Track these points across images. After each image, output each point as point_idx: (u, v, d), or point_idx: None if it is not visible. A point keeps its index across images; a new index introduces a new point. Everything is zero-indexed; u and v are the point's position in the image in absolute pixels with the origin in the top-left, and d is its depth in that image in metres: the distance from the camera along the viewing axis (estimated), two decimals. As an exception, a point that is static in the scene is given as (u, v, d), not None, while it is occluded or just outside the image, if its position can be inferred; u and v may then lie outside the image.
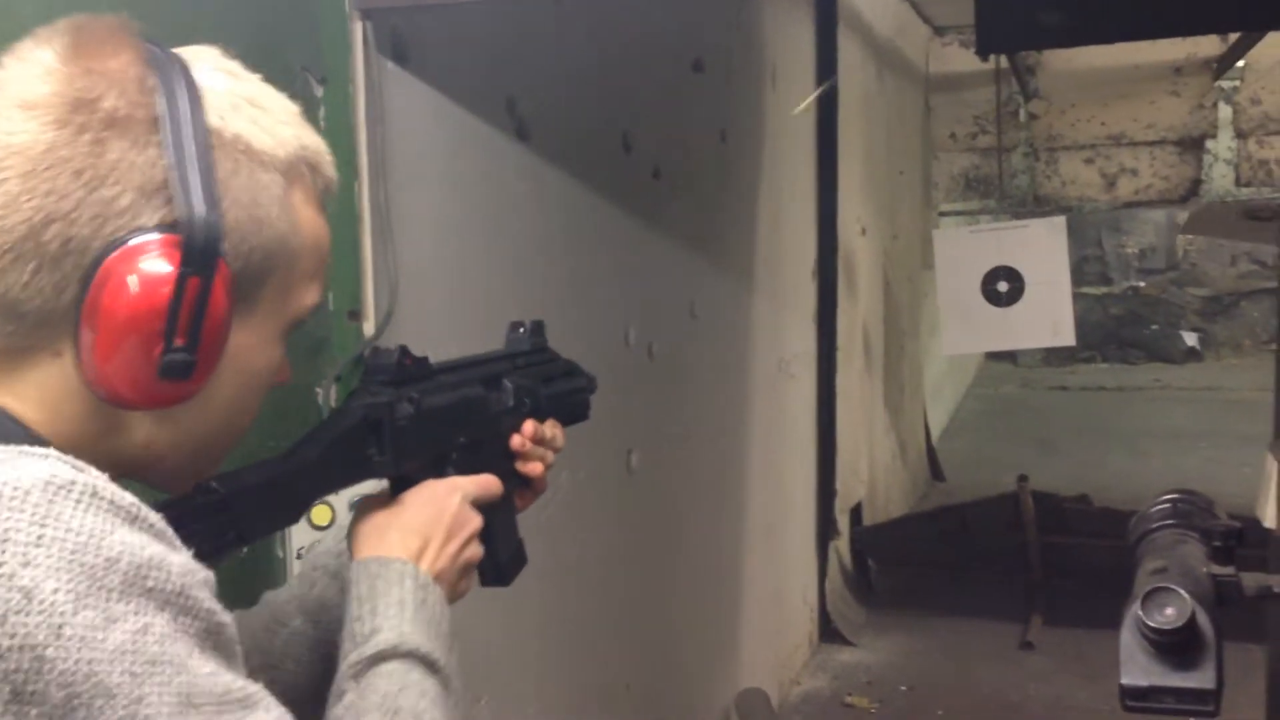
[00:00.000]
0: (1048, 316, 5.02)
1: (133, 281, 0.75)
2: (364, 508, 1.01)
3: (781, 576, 4.35)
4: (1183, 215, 11.87)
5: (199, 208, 0.77)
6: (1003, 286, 5.01)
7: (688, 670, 3.47)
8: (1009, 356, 11.54)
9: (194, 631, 0.70)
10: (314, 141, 0.89)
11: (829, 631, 4.82)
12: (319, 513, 1.71)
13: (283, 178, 0.84)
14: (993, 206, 7.00)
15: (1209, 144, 7.09)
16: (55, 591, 0.65)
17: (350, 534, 1.00)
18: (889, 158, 6.01)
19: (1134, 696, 0.98)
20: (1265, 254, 11.39)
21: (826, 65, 4.68)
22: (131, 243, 0.76)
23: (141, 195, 0.76)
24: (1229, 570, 1.08)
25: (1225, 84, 6.94)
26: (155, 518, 0.72)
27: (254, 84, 0.86)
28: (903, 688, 4.42)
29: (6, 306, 0.76)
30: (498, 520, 1.07)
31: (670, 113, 3.20)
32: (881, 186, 5.85)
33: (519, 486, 1.15)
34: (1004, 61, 5.86)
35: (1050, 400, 10.53)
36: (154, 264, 0.76)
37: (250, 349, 0.85)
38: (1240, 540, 1.12)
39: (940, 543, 5.18)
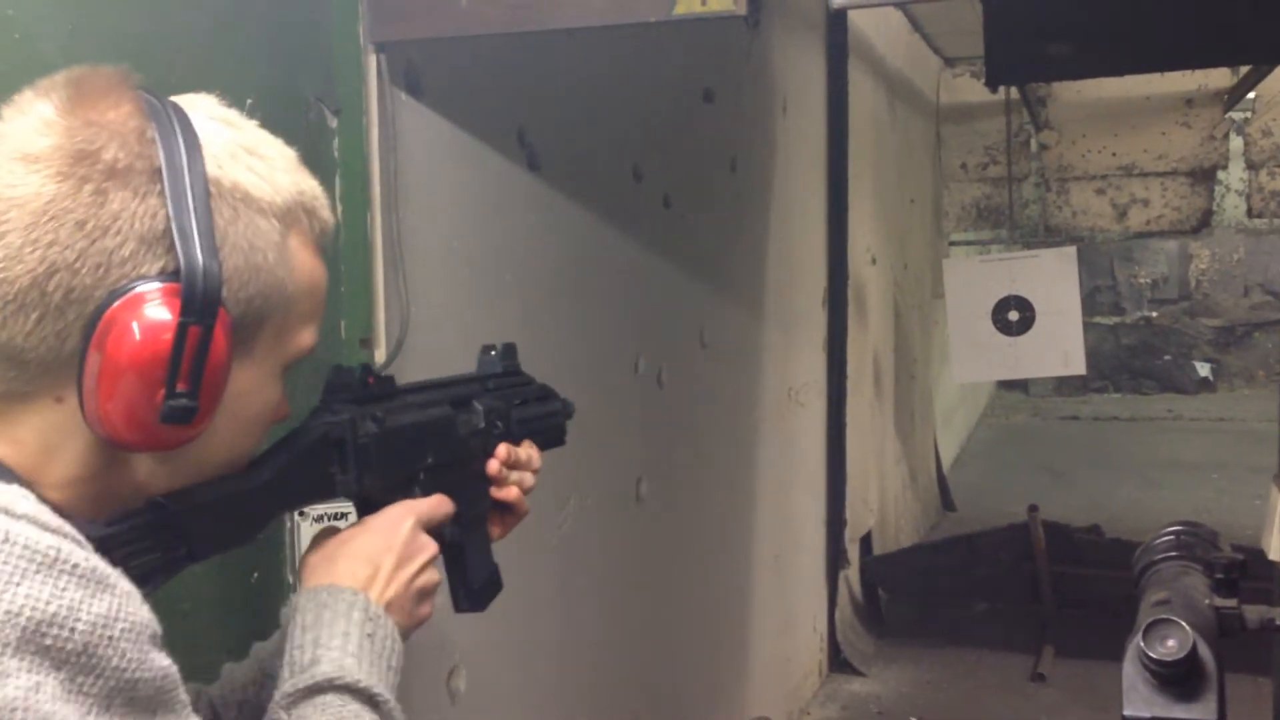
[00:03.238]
0: (1058, 346, 5.02)
1: (135, 329, 0.77)
2: (317, 538, 1.00)
3: (791, 605, 4.34)
4: (1195, 245, 11.90)
5: (199, 257, 0.78)
6: (1013, 316, 5.02)
7: (696, 699, 3.46)
8: (1021, 386, 11.52)
9: (95, 691, 0.68)
10: (311, 186, 0.90)
11: (839, 661, 4.80)
12: (329, 539, 1.73)
13: (280, 224, 0.85)
14: (1004, 236, 7.00)
15: (1220, 175, 7.10)
16: None
17: (301, 564, 0.99)
18: (900, 187, 6.03)
19: (1136, 728, 0.98)
20: (1278, 284, 11.37)
21: (837, 96, 4.71)
22: (134, 291, 0.77)
23: (143, 244, 0.78)
24: (1231, 602, 1.09)
25: (1236, 115, 6.95)
26: (80, 556, 0.70)
27: (251, 131, 0.87)
28: (913, 718, 4.39)
29: (10, 354, 0.77)
30: (470, 545, 1.06)
31: (681, 142, 3.23)
32: (892, 216, 5.87)
33: (497, 512, 1.13)
34: (1015, 92, 5.89)
35: (1062, 430, 10.50)
36: (156, 312, 0.77)
37: (249, 391, 0.86)
38: (1244, 572, 1.13)
39: (951, 573, 5.16)
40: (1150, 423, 10.65)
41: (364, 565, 0.95)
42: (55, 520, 0.72)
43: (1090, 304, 11.24)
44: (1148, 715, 0.97)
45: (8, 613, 0.66)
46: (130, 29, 1.45)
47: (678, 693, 3.31)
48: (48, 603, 0.67)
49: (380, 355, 1.88)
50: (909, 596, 5.37)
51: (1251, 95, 6.38)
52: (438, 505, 1.03)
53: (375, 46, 1.85)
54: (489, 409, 1.11)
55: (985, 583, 5.12)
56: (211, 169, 0.81)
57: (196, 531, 0.85)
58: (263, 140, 0.87)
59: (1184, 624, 0.97)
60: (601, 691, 2.79)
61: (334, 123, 1.81)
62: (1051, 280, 5.01)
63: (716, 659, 3.63)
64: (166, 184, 0.78)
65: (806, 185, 4.47)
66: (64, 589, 0.68)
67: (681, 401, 3.25)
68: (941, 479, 7.34)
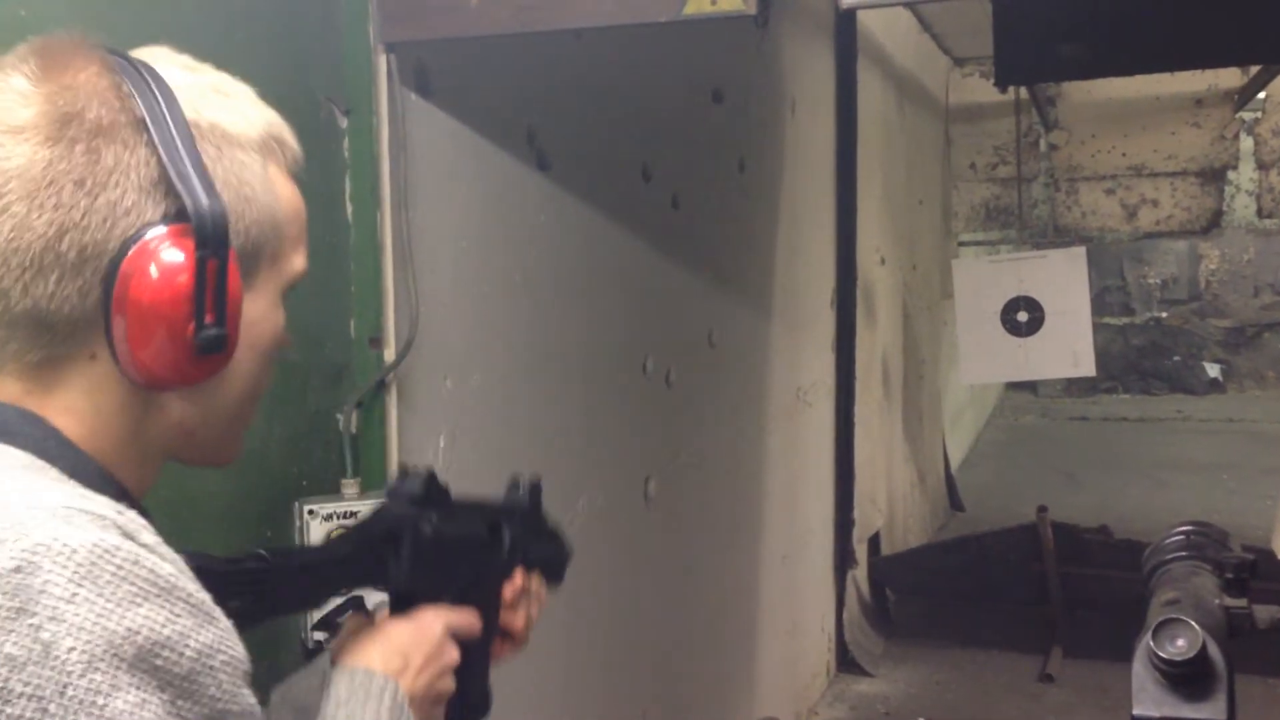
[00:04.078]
0: (1068, 347, 5.01)
1: (154, 272, 0.80)
2: (353, 620, 1.05)
3: (799, 606, 4.34)
4: (1205, 245, 11.87)
5: (202, 195, 0.81)
6: (1022, 316, 5.01)
7: (704, 699, 3.47)
8: (1030, 386, 11.50)
9: (191, 716, 0.72)
10: (276, 118, 0.92)
11: (846, 661, 4.80)
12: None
13: (259, 155, 0.87)
14: (1013, 237, 6.99)
15: (1230, 175, 7.08)
16: (71, 650, 0.68)
17: (337, 641, 1.03)
18: (909, 187, 6.03)
19: (1145, 728, 0.98)
20: (1288, 285, 11.34)
21: (846, 96, 4.70)
22: (145, 238, 0.80)
23: (142, 193, 0.80)
24: (1241, 602, 1.09)
25: (1246, 115, 6.94)
26: (194, 588, 0.75)
27: (212, 73, 0.90)
28: (921, 719, 4.39)
29: (39, 320, 0.80)
30: (473, 660, 1.10)
31: (689, 143, 3.23)
32: (901, 216, 5.86)
33: (500, 636, 1.17)
34: (1024, 93, 5.88)
35: (1071, 431, 10.48)
36: (171, 253, 0.80)
37: (258, 319, 0.89)
38: (1254, 572, 1.12)
39: (959, 573, 5.15)
40: (1159, 423, 10.62)
41: (397, 656, 0.99)
42: (172, 553, 0.76)
43: (1100, 304, 11.22)
44: (1157, 715, 0.97)
45: (129, 630, 0.70)
46: (142, 30, 1.45)
47: (686, 692, 3.31)
48: (163, 626, 0.71)
49: (389, 354, 1.88)
50: (917, 597, 5.37)
51: (1262, 95, 6.37)
52: (469, 620, 1.07)
53: (385, 46, 1.85)
54: (514, 540, 1.17)
55: (993, 583, 5.11)
56: (189, 113, 0.83)
57: (282, 588, 0.93)
58: (225, 79, 0.90)
59: (1194, 624, 0.97)
60: (610, 691, 2.79)
61: (344, 123, 1.82)
62: (1061, 281, 5.00)
63: (724, 659, 3.63)
64: (153, 133, 0.80)
65: (815, 185, 4.46)
66: (178, 615, 0.72)
67: (690, 402, 3.25)
68: (950, 479, 7.33)
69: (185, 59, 0.90)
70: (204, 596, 0.75)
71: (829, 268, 4.66)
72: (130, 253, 0.79)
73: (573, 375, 2.58)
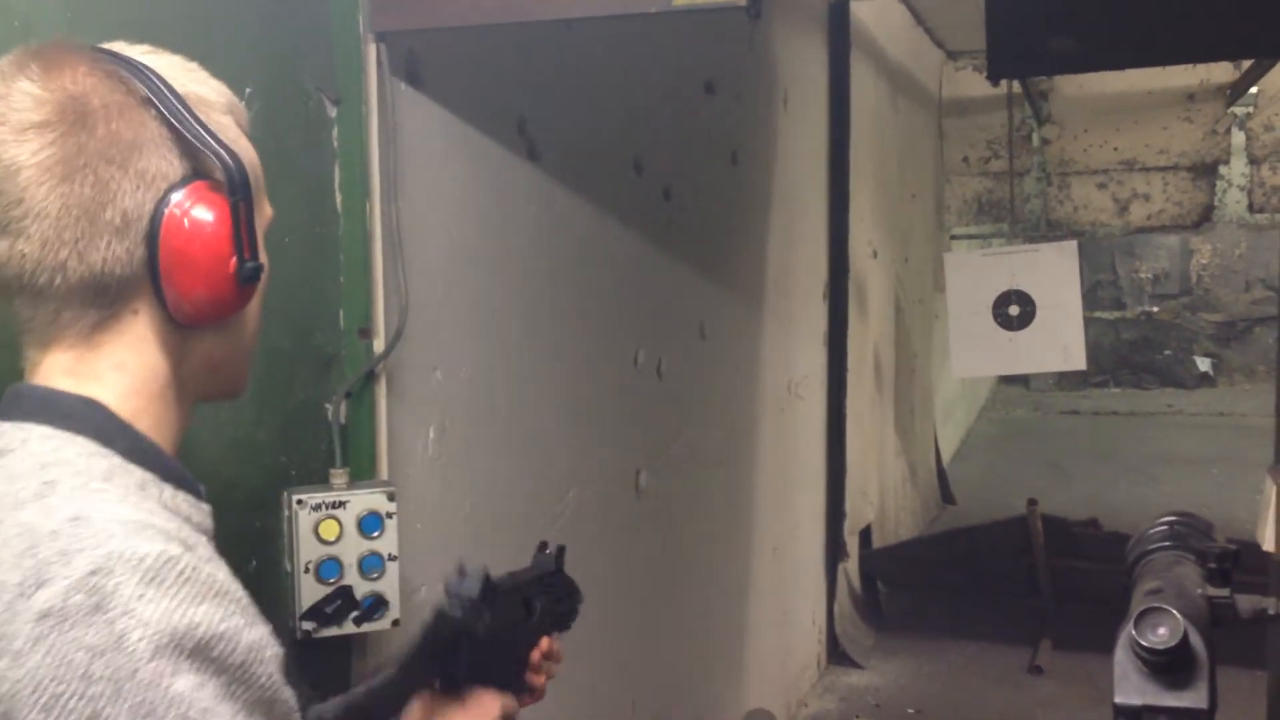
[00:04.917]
0: (1059, 340, 5.01)
1: (195, 222, 0.92)
2: (417, 706, 1.15)
3: (790, 598, 4.35)
4: (1197, 240, 11.89)
5: (221, 150, 0.94)
6: (1014, 310, 5.01)
7: (695, 690, 3.47)
8: (1021, 380, 11.52)
9: (245, 698, 0.83)
10: (226, 87, 1.03)
11: (837, 653, 4.81)
12: (326, 527, 1.73)
13: (229, 116, 0.99)
14: (1005, 230, 7.00)
15: (1222, 169, 7.09)
16: (140, 640, 0.79)
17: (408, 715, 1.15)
18: (901, 181, 6.03)
19: (1128, 716, 0.98)
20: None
21: (839, 88, 4.70)
22: (176, 197, 0.92)
23: (163, 159, 0.92)
24: (1224, 592, 1.09)
25: (1238, 110, 6.94)
26: (242, 593, 0.87)
27: (170, 54, 1.00)
28: (911, 711, 4.40)
29: (96, 284, 0.90)
30: None
31: (681, 134, 3.23)
32: (893, 209, 5.87)
33: (522, 691, 1.28)
34: (1017, 86, 5.88)
35: (1062, 424, 10.50)
36: (204, 204, 0.93)
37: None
38: (1236, 563, 1.13)
39: (949, 566, 5.17)
40: (1150, 417, 10.65)
41: None
42: (224, 565, 0.88)
43: (1091, 299, 11.25)
44: (1139, 703, 0.97)
45: (190, 624, 0.81)
46: (128, 18, 1.45)
47: (676, 684, 3.32)
48: (219, 623, 0.82)
49: (379, 345, 1.88)
50: (907, 589, 5.38)
51: (1254, 90, 6.37)
52: (515, 707, 1.21)
53: (375, 35, 1.85)
54: (544, 609, 1.29)
55: (984, 576, 5.13)
56: (177, 87, 0.94)
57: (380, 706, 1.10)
58: (184, 59, 1.00)
59: (1176, 613, 0.97)
60: (600, 683, 2.80)
61: (333, 112, 1.81)
62: (1052, 274, 5.00)
63: (715, 651, 3.64)
64: (160, 106, 0.92)
65: (808, 178, 4.47)
66: (232, 614, 0.84)
67: (681, 394, 3.25)
68: (941, 473, 7.34)
69: (144, 47, 0.99)
70: (250, 603, 0.87)
71: (821, 260, 4.66)
72: (168, 210, 0.91)
73: (563, 367, 2.58)
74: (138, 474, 0.90)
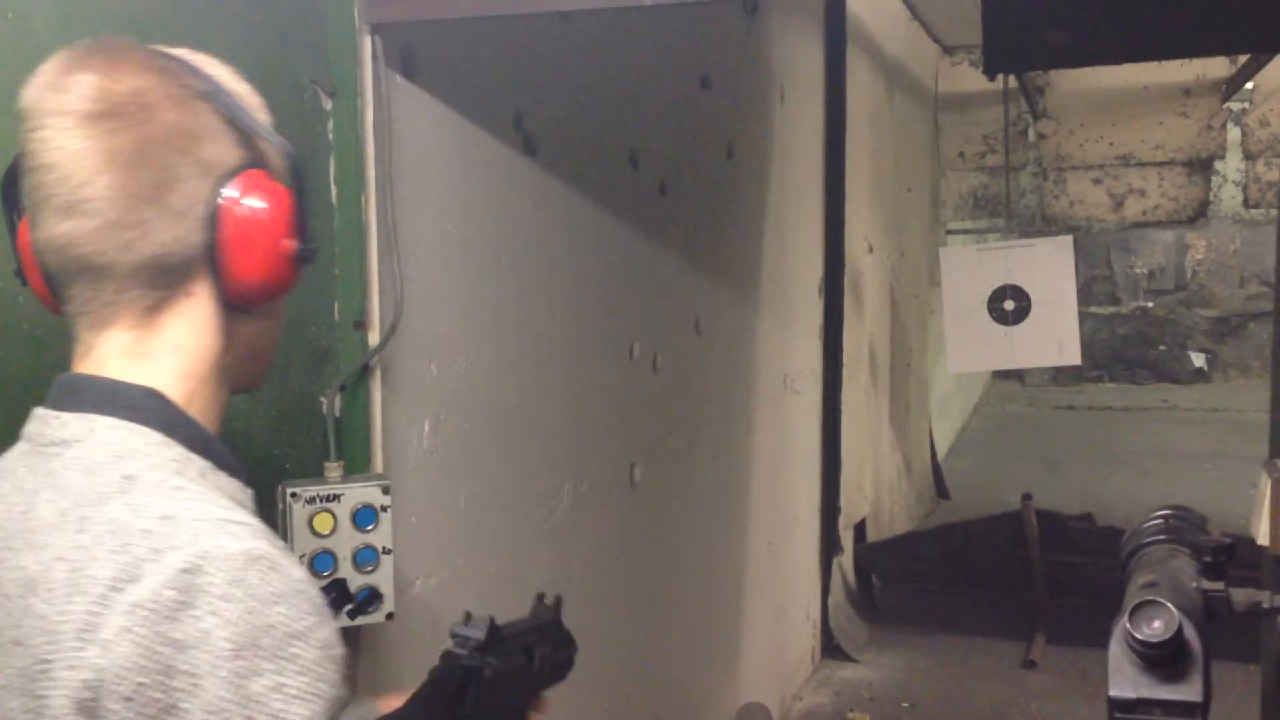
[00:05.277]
0: (1054, 336, 5.01)
1: (256, 206, 0.97)
2: None
3: (784, 592, 4.35)
4: (1192, 235, 11.91)
5: (283, 141, 1.00)
6: (1009, 305, 5.01)
7: (689, 684, 3.48)
8: (1016, 375, 11.53)
9: (316, 700, 0.86)
10: None
11: (831, 647, 4.82)
12: (321, 521, 1.73)
13: (264, 115, 1.05)
14: (1000, 225, 7.01)
15: (1217, 165, 7.10)
16: (223, 640, 0.82)
17: None
18: (897, 176, 6.03)
19: (1122, 708, 0.99)
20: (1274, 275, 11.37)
21: (835, 83, 4.70)
22: (236, 183, 0.97)
23: (222, 147, 0.97)
24: (1219, 585, 1.09)
25: (1234, 105, 6.95)
26: (315, 591, 0.90)
27: (208, 57, 1.04)
28: (905, 705, 4.41)
29: (158, 264, 0.94)
30: None
31: (678, 129, 3.22)
32: (889, 204, 5.86)
33: None
34: (1013, 81, 5.88)
35: (1057, 419, 10.51)
36: (262, 189, 0.98)
37: None
38: (1231, 556, 1.13)
39: (944, 560, 5.17)
40: (1145, 413, 10.67)
41: None
42: (293, 555, 0.93)
43: (1086, 294, 11.26)
44: (1133, 696, 0.98)
45: (268, 625, 0.84)
46: (123, 9, 1.45)
47: (671, 678, 3.33)
48: (295, 621, 0.86)
49: (374, 338, 1.88)
50: (902, 584, 5.39)
51: (1249, 85, 6.37)
52: None
53: (370, 28, 1.84)
54: (543, 657, 1.32)
55: (978, 570, 5.14)
56: (226, 84, 1.00)
57: None
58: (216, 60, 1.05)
59: (1170, 606, 0.97)
60: (595, 677, 2.80)
61: (329, 105, 1.81)
62: (1048, 269, 5.00)
63: (709, 645, 3.64)
64: (219, 101, 0.97)
65: (804, 173, 4.46)
66: (306, 614, 0.87)
67: (676, 388, 3.25)
68: (936, 467, 7.35)
69: (185, 50, 1.02)
70: (323, 601, 0.90)
71: (817, 255, 4.66)
72: (228, 196, 0.96)
73: (558, 361, 2.58)
74: (198, 462, 0.94)
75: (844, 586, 5.04)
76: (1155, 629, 0.96)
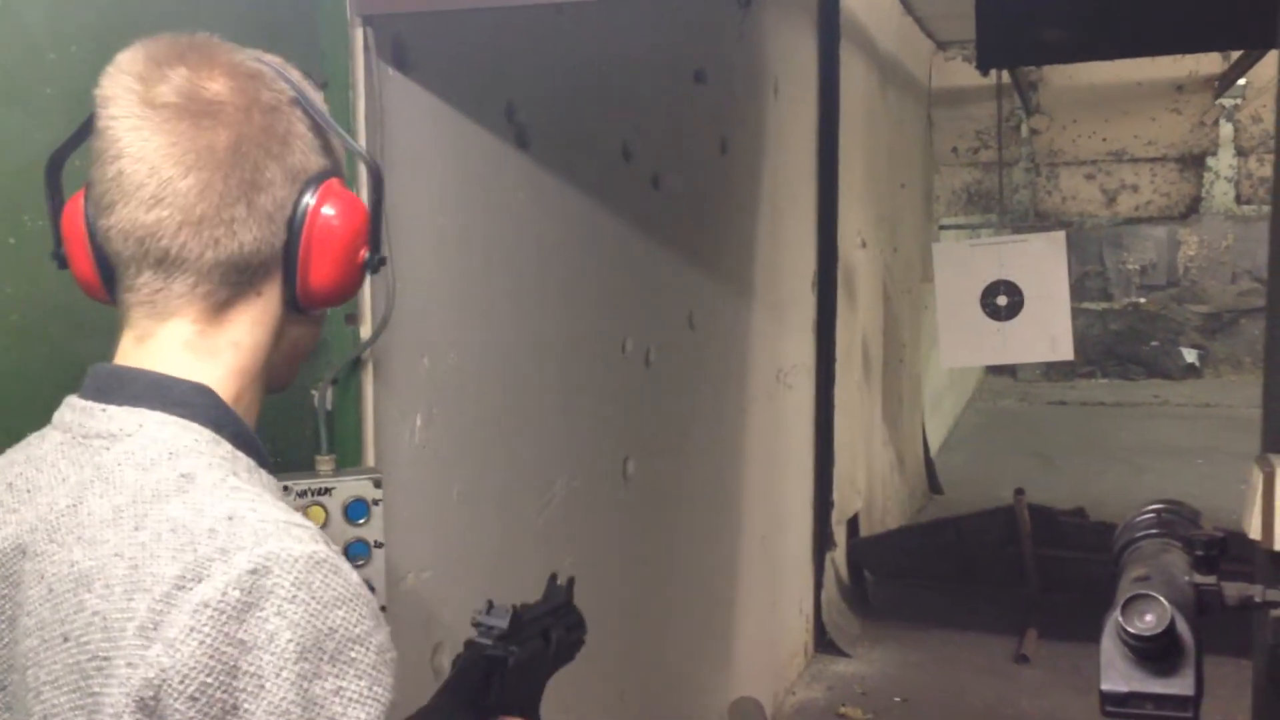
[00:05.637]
0: (1046, 331, 5.02)
1: (337, 214, 0.99)
2: None
3: (777, 586, 4.36)
4: (1184, 231, 11.93)
5: (367, 152, 1.05)
6: (1002, 300, 5.02)
7: (682, 679, 3.48)
8: (1009, 370, 11.55)
9: (373, 703, 0.87)
10: None
11: (824, 642, 4.82)
12: (312, 514, 1.72)
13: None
14: (993, 221, 7.02)
15: (1210, 161, 7.12)
16: (289, 642, 0.83)
17: None
18: (890, 171, 6.03)
19: (1113, 702, 0.98)
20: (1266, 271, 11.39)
21: (829, 78, 4.70)
22: (319, 190, 0.99)
23: (308, 154, 0.99)
24: (1211, 579, 1.09)
25: (1227, 102, 6.97)
26: (371, 596, 0.91)
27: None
28: (897, 699, 4.42)
29: (239, 264, 0.96)
30: None
31: (671, 122, 3.22)
32: (882, 199, 5.86)
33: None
34: (1006, 77, 5.88)
35: (1049, 415, 10.53)
36: (341, 198, 1.00)
37: None
38: (1223, 550, 1.13)
39: (936, 555, 5.18)
40: (1137, 408, 10.69)
41: None
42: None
43: (1079, 289, 11.27)
44: (1125, 690, 0.98)
45: (330, 628, 0.85)
46: (114, 1, 1.44)
47: (664, 673, 3.32)
48: (354, 625, 0.87)
49: (366, 331, 1.87)
50: (895, 578, 5.39)
51: (1242, 81, 6.39)
52: None
53: (362, 19, 1.83)
54: (558, 639, 1.34)
55: (971, 565, 5.14)
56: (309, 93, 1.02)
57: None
58: None
59: (1162, 599, 0.97)
60: (587, 671, 2.79)
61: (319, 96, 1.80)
62: (1040, 265, 5.01)
63: (702, 639, 3.64)
64: (308, 108, 0.99)
65: (797, 168, 4.46)
66: (364, 618, 0.88)
67: (669, 382, 3.25)
68: (929, 462, 7.36)
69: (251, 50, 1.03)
70: (377, 606, 0.91)
71: (810, 250, 4.66)
72: (313, 201, 0.98)
73: (551, 355, 2.58)
74: (244, 459, 0.96)
75: (837, 581, 5.05)
76: (1147, 622, 0.96)
